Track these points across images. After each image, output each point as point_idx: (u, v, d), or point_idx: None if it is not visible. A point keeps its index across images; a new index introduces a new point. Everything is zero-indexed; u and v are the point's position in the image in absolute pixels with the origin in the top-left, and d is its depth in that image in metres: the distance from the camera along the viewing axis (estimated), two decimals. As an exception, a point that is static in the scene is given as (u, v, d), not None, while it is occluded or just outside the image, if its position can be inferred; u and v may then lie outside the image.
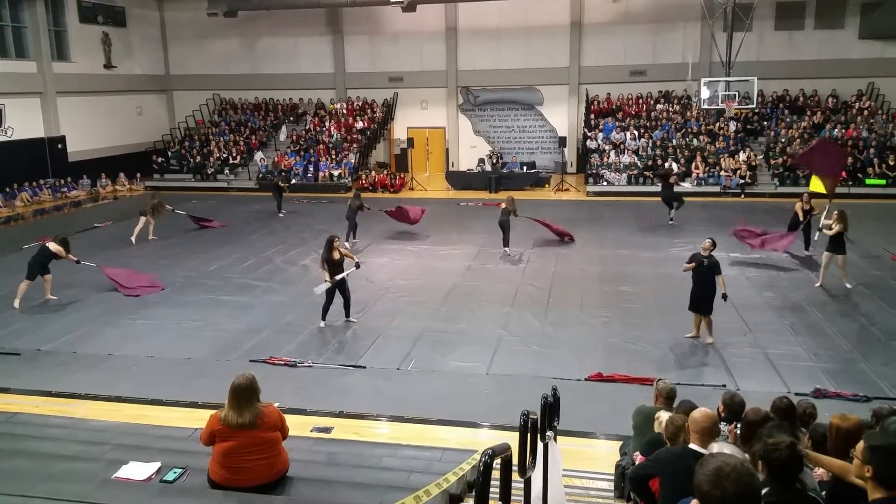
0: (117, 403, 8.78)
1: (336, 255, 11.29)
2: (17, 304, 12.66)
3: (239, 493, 4.71)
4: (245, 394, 4.85)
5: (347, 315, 11.65)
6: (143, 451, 5.76)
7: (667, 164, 19.46)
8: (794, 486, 3.42)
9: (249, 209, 22.66)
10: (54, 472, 5.07)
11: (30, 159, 24.91)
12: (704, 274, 10.33)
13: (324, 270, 11.36)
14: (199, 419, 7.22)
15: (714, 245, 10.49)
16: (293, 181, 24.51)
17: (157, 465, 5.34)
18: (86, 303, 13.03)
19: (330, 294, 11.38)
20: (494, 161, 27.70)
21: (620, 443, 6.84)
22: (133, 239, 17.78)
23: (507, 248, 16.23)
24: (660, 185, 20.23)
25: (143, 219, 17.98)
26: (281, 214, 21.39)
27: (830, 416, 4.55)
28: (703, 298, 10.37)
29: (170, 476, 5.18)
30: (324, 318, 11.45)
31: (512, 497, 4.15)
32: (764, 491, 3.23)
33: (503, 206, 16.39)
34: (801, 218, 15.11)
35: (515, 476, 4.38)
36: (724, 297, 10.37)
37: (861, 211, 19.44)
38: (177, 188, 26.69)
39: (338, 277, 11.28)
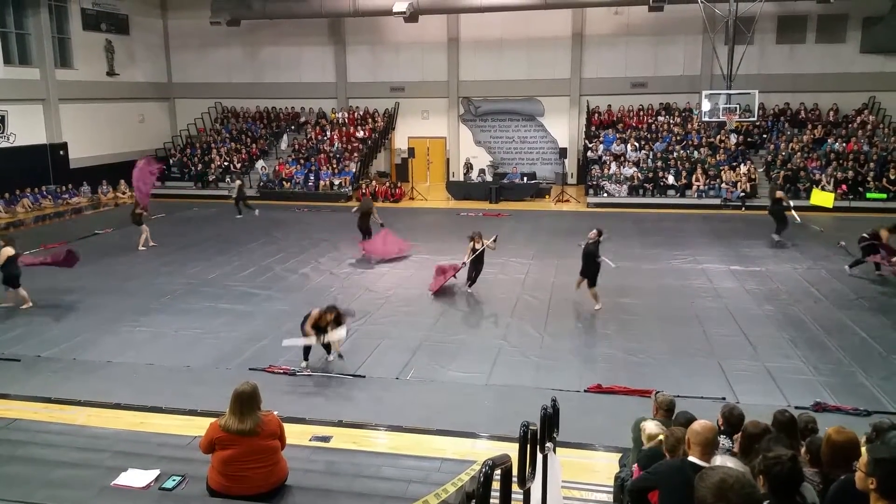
0: (117, 410, 8.77)
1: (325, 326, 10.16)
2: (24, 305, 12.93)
3: (238, 501, 4.71)
4: (248, 401, 4.88)
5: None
6: (142, 459, 5.76)
7: (780, 194, 18.74)
8: (795, 500, 3.42)
9: (250, 217, 22.68)
10: (53, 478, 5.07)
11: (32, 166, 24.93)
12: (583, 256, 12.76)
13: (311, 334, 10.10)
14: (198, 427, 7.20)
15: (599, 234, 12.82)
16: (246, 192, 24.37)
17: (156, 472, 5.34)
18: (86, 310, 13.01)
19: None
20: (466, 170, 27.88)
21: (619, 455, 6.83)
22: (141, 247, 17.94)
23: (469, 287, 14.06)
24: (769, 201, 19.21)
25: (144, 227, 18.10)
26: (239, 217, 22.36)
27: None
28: (585, 272, 12.83)
29: (169, 484, 5.19)
30: (306, 359, 10.27)
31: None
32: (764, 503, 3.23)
33: (478, 245, 13.72)
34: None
35: (515, 487, 4.38)
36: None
37: (861, 225, 19.46)
38: (178, 196, 26.73)
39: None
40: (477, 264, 13.81)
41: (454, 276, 14.14)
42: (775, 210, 18.10)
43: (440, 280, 13.99)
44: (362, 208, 18.04)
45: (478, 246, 13.65)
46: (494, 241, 13.77)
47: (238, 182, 23.47)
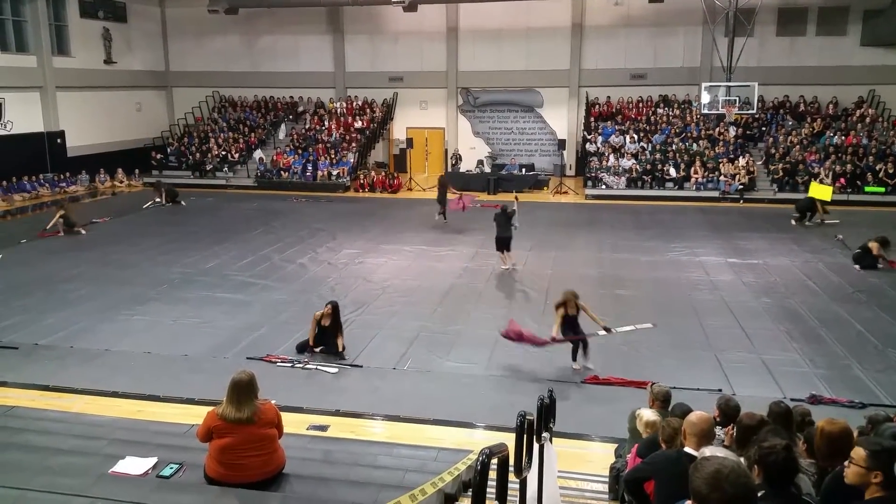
0: (114, 399, 8.78)
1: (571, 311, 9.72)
2: None
3: (235, 489, 4.72)
4: (245, 390, 4.89)
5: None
6: (139, 447, 5.77)
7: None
8: (790, 490, 3.43)
9: (248, 207, 22.68)
10: (51, 465, 5.08)
11: (29, 154, 24.88)
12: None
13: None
14: (195, 415, 7.22)
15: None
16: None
17: (153, 460, 5.35)
18: (83, 298, 13.00)
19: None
20: (454, 161, 28.07)
21: (615, 445, 6.86)
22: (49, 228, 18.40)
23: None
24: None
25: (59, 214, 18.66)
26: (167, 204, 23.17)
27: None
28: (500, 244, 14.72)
29: (166, 471, 5.20)
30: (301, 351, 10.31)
31: (507, 497, 4.16)
32: (759, 494, 3.24)
33: (571, 311, 9.95)
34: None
35: (511, 476, 4.39)
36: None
37: (859, 218, 19.53)
38: (175, 185, 26.59)
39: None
40: (574, 332, 9.94)
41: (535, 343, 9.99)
42: (810, 205, 19.20)
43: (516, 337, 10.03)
44: (440, 183, 20.20)
45: (571, 311, 9.88)
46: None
47: (166, 184, 24.76)
